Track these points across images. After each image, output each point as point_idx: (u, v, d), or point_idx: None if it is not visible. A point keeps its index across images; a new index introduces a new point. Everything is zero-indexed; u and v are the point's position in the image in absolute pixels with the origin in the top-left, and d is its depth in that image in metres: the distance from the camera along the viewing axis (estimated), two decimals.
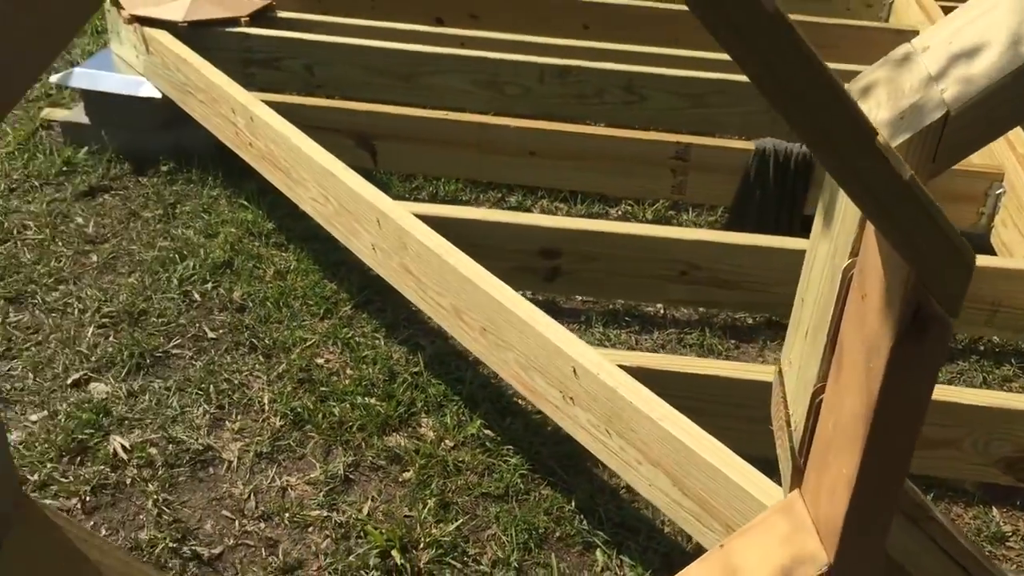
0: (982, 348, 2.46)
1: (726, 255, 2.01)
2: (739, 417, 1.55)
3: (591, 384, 1.58)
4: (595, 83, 2.76)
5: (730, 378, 1.62)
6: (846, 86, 0.94)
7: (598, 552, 1.90)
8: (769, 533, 0.95)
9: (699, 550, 1.85)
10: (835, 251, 0.94)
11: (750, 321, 2.50)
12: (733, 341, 2.44)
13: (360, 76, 2.81)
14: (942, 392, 1.66)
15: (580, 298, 2.55)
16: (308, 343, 2.35)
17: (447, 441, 2.11)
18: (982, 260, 2.08)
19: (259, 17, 2.92)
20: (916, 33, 3.11)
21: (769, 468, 1.36)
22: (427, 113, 2.50)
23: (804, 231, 2.41)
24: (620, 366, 1.59)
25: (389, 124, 2.51)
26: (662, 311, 2.55)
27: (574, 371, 1.61)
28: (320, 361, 2.31)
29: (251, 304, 2.47)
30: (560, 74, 2.76)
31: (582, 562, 1.89)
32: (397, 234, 1.96)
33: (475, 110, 2.78)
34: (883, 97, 0.87)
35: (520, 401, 2.22)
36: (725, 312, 2.44)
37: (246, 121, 2.39)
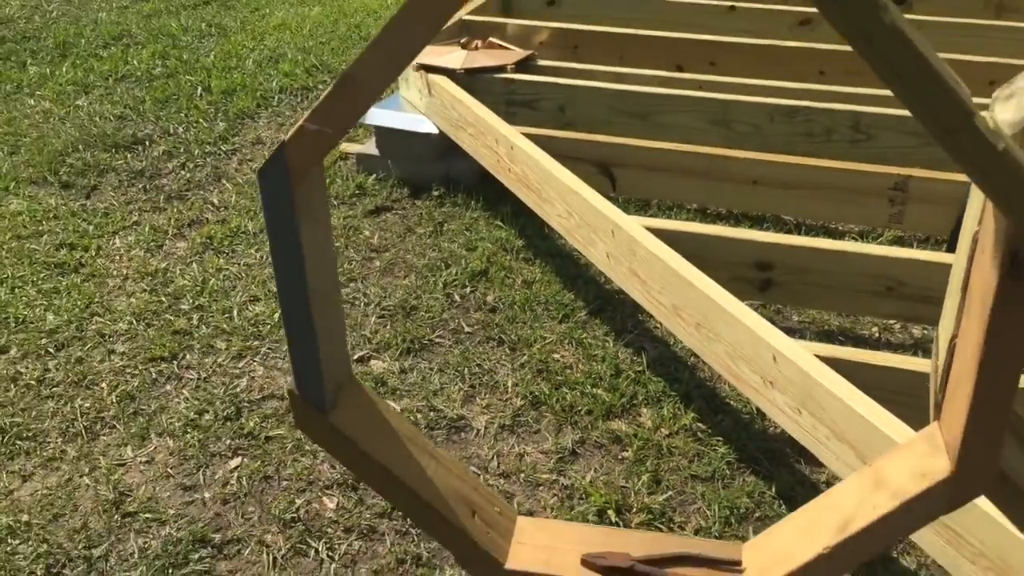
0: None
1: (929, 272, 2.16)
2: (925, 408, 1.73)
3: (788, 369, 1.81)
4: (823, 123, 2.96)
5: (917, 372, 1.80)
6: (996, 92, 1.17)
7: None
8: (911, 453, 1.16)
9: None
10: (970, 221, 1.15)
11: None
12: None
13: (604, 115, 3.18)
14: None
15: (796, 318, 2.75)
16: (547, 340, 2.71)
17: (663, 429, 2.38)
18: None
19: (523, 65, 3.37)
20: None
21: None
22: (660, 144, 2.82)
23: None
24: (815, 355, 1.81)
25: (627, 154, 2.85)
26: (877, 334, 2.70)
27: (774, 358, 1.85)
28: (557, 356, 2.66)
29: (501, 306, 2.87)
30: (789, 114, 2.99)
31: None
32: (628, 242, 2.28)
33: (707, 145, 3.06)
34: (1013, 96, 1.09)
35: (731, 401, 2.46)
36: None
37: (507, 150, 2.81)
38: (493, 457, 2.32)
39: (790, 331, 2.72)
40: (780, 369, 1.83)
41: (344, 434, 1.18)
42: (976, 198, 1.14)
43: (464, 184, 3.45)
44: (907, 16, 3.81)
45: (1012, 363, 1.02)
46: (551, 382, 2.55)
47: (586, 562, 1.24)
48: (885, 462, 1.19)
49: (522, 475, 2.26)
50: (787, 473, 2.23)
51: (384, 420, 1.26)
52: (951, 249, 2.56)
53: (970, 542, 1.48)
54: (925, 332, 2.70)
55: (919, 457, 1.15)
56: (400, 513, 2.15)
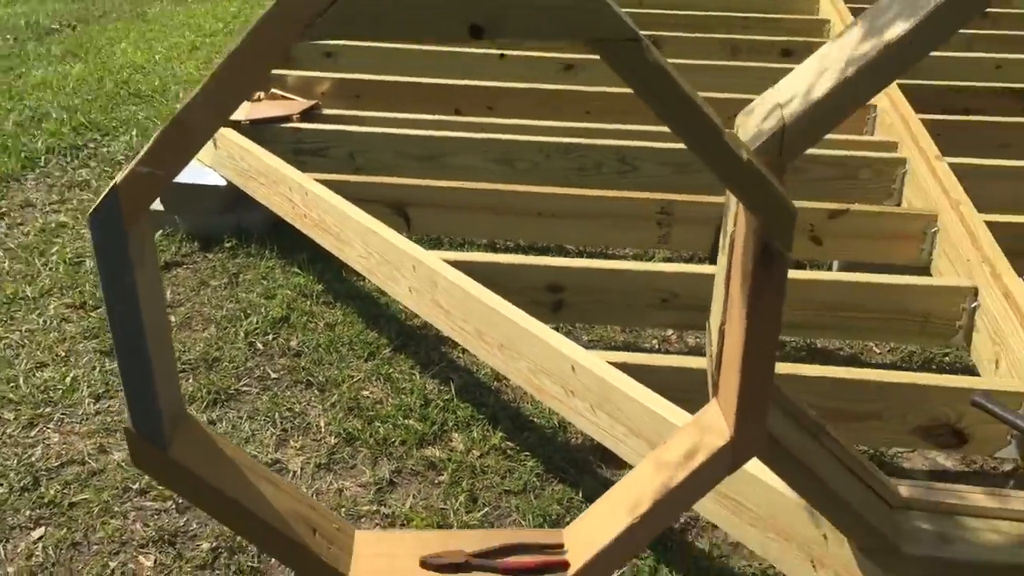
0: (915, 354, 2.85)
1: (698, 283, 2.43)
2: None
3: (586, 377, 1.99)
4: (594, 157, 3.23)
5: (697, 369, 2.02)
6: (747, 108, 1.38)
7: None
8: (688, 433, 1.35)
9: (689, 524, 2.21)
10: (729, 224, 1.36)
11: None
12: None
13: (393, 159, 3.30)
14: (866, 373, 2.05)
15: (587, 338, 2.97)
16: (355, 379, 2.77)
17: (475, 451, 2.51)
18: (911, 279, 2.49)
19: (308, 114, 3.45)
20: (875, 106, 3.58)
21: None
22: (451, 183, 2.97)
23: None
24: (608, 362, 2.00)
25: (419, 194, 2.99)
26: (657, 345, 2.97)
27: (572, 368, 2.02)
28: (366, 393, 2.73)
29: (306, 350, 2.90)
30: (563, 151, 3.24)
31: None
32: (429, 275, 2.40)
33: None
34: (757, 115, 1.31)
35: (534, 419, 2.62)
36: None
37: (302, 196, 2.87)
38: (312, 496, 2.35)
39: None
40: (579, 377, 2.01)
41: (184, 467, 1.22)
42: (731, 205, 1.35)
43: (257, 234, 3.46)
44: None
45: (769, 340, 1.22)
46: (363, 418, 2.61)
47: (424, 563, 1.33)
48: (667, 445, 1.36)
49: (343, 509, 2.30)
50: (591, 478, 2.41)
51: (220, 451, 1.31)
52: (713, 262, 2.86)
53: (749, 508, 1.70)
54: (698, 339, 2.99)
55: (697, 434, 1.33)
56: (226, 556, 2.14)
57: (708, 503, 1.82)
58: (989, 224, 2.65)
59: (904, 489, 1.57)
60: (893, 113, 3.49)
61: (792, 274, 2.42)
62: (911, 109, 3.50)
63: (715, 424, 1.32)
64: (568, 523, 2.28)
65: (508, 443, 2.53)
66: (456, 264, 2.42)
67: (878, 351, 2.98)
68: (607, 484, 2.38)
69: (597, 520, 1.37)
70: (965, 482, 2.39)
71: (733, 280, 1.27)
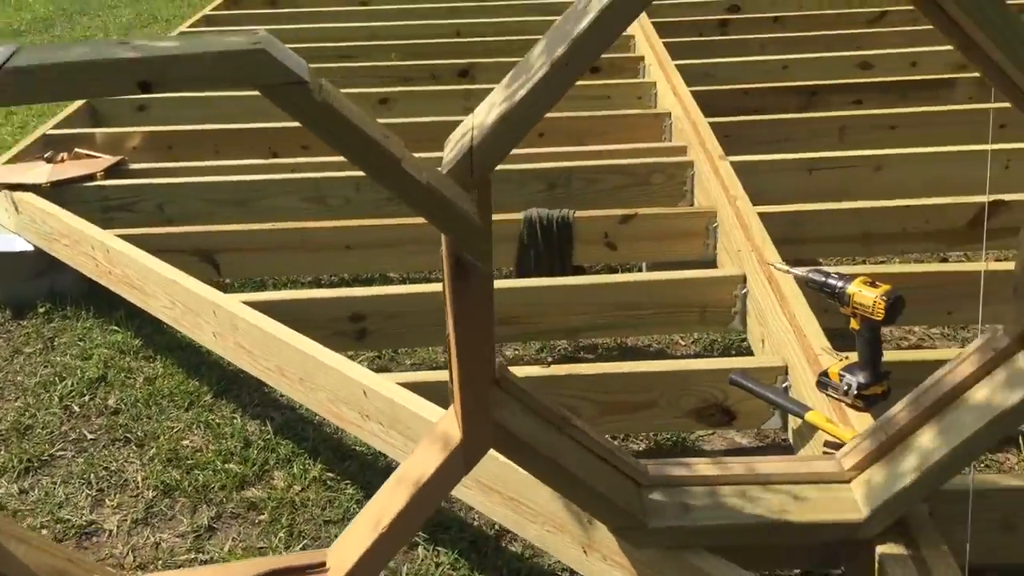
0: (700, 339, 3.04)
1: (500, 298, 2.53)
2: None
3: (377, 400, 2.06)
4: None
5: None
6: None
7: (419, 548, 2.34)
8: (432, 434, 1.44)
9: (503, 531, 2.31)
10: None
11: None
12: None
13: (203, 207, 3.32)
14: (638, 366, 2.19)
15: (409, 361, 3.05)
16: (175, 429, 2.77)
17: (295, 486, 2.54)
18: (688, 273, 2.66)
19: (114, 170, 3.42)
20: (669, 114, 3.79)
21: None
22: (256, 226, 3.01)
23: (576, 275, 2.97)
24: (398, 383, 2.08)
25: (227, 239, 3.01)
26: None
27: (364, 393, 2.09)
28: (186, 442, 2.73)
29: (124, 407, 2.88)
30: (373, 183, 3.31)
31: (407, 558, 2.33)
32: (229, 319, 2.43)
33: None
34: (455, 138, 1.41)
35: (356, 447, 2.67)
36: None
37: (104, 254, 2.85)
38: (128, 552, 2.34)
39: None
40: (371, 401, 2.08)
41: None
42: None
43: (72, 296, 3.40)
44: (470, 86, 4.35)
45: (479, 345, 1.32)
46: (182, 468, 2.61)
47: None
48: (409, 460, 1.45)
49: (160, 562, 2.30)
50: None
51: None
52: (517, 275, 2.98)
53: (527, 505, 1.80)
54: (516, 351, 3.11)
55: (434, 441, 1.42)
56: None
57: (496, 507, 1.92)
58: (762, 215, 2.85)
59: (652, 468, 1.69)
60: (685, 120, 3.70)
61: (576, 280, 2.57)
62: (701, 115, 3.72)
63: (449, 429, 1.41)
64: None
65: (328, 474, 2.57)
66: (257, 304, 2.46)
67: (683, 343, 3.15)
68: None
69: (351, 538, 1.44)
70: (760, 453, 2.57)
71: (446, 292, 1.37)
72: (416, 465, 1.42)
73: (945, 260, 3.34)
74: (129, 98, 4.35)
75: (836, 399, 1.96)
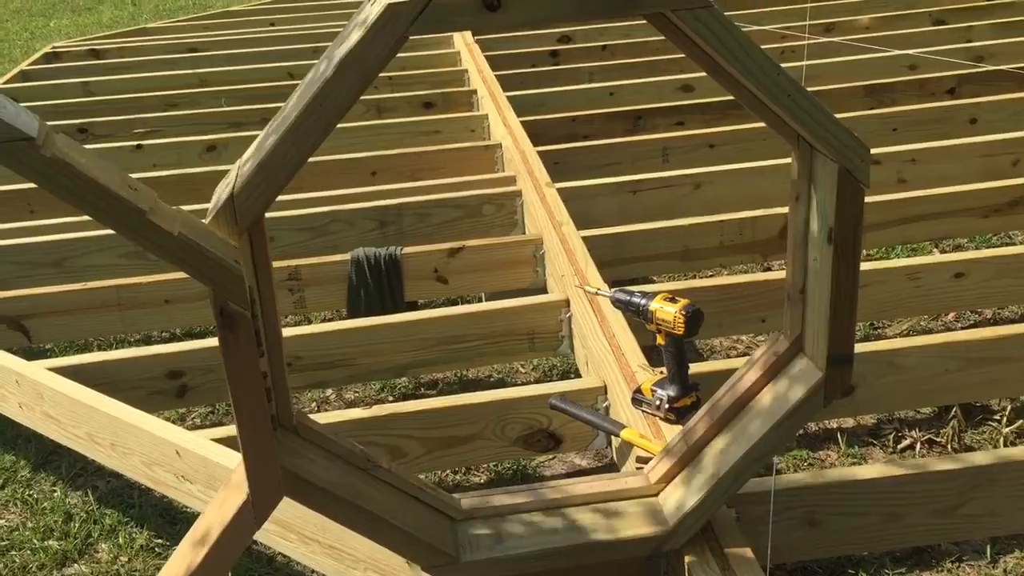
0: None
1: (321, 342, 2.49)
2: None
3: (191, 459, 1.98)
4: None
5: None
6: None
7: None
8: (227, 487, 1.39)
9: None
10: None
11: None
12: None
13: (16, 272, 3.14)
14: (461, 399, 2.19)
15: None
16: None
17: (122, 557, 2.41)
18: (514, 302, 2.68)
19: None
20: (500, 145, 3.84)
21: None
22: (67, 287, 2.87)
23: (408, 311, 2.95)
24: (211, 439, 2.00)
25: (38, 303, 2.86)
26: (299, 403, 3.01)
27: (177, 453, 2.00)
28: (2, 522, 2.56)
29: None
30: None
31: None
32: (34, 388, 2.30)
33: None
34: (217, 191, 1.38)
35: (185, 509, 2.56)
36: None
37: None
38: None
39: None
40: (185, 460, 2.00)
41: None
42: None
43: None
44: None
45: (246, 398, 1.28)
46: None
47: None
48: (202, 516, 1.40)
49: None
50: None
51: None
52: (350, 315, 2.94)
53: (347, 552, 1.76)
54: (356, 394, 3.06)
55: (230, 492, 1.37)
56: None
57: (317, 556, 1.86)
58: (587, 239, 2.90)
59: (467, 501, 1.68)
60: (515, 150, 3.75)
61: (399, 317, 2.55)
62: (530, 144, 3.77)
63: (239, 481, 1.36)
64: None
65: (157, 540, 2.46)
66: (64, 370, 2.34)
67: (523, 370, 3.17)
68: (262, 558, 2.38)
69: None
70: (600, 472, 2.59)
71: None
72: (207, 522, 1.36)
73: (769, 269, 3.48)
74: None
75: (650, 414, 2.00)
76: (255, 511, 1.33)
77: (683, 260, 3.04)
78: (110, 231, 3.10)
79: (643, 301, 1.97)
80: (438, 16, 1.25)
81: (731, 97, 4.18)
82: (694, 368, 2.09)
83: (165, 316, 2.87)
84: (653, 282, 3.55)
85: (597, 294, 2.18)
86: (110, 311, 2.84)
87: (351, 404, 3.04)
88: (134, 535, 2.47)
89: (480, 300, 3.42)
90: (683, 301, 1.93)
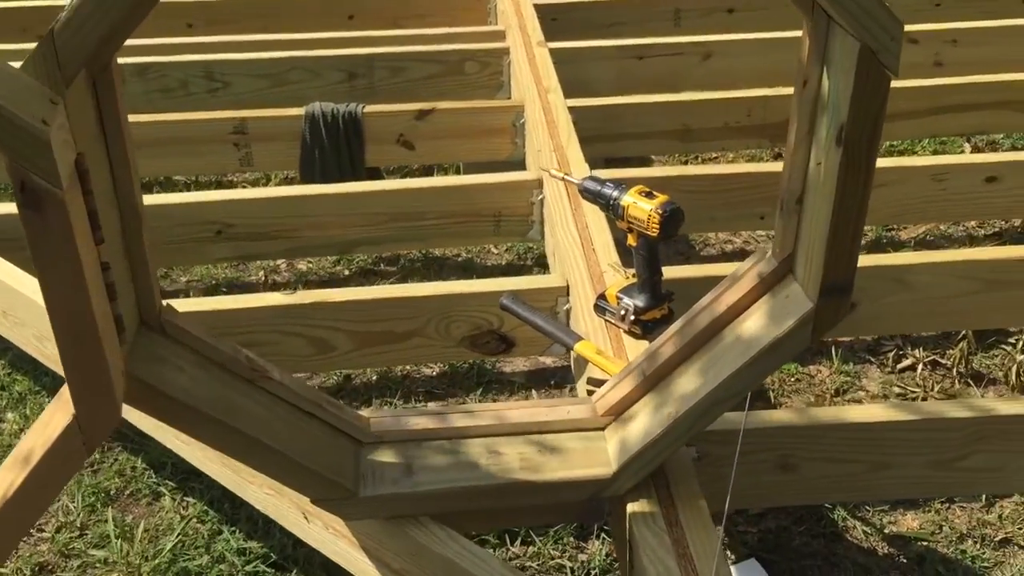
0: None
1: (257, 209, 2.19)
2: None
3: None
4: (177, 76, 2.89)
5: None
6: None
7: (165, 499, 2.04)
8: (60, 399, 1.13)
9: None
10: None
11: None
12: None
13: None
14: (398, 290, 1.91)
15: (184, 279, 2.69)
16: None
17: (25, 431, 2.19)
18: (480, 178, 2.37)
19: None
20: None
21: None
22: None
23: (371, 179, 2.64)
24: None
25: None
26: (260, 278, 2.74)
27: None
28: None
29: None
30: (140, 72, 2.87)
31: (148, 510, 2.03)
32: None
33: None
34: None
35: None
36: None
37: None
38: None
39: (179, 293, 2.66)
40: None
41: None
42: None
43: None
44: None
45: (67, 292, 0.99)
46: None
47: None
48: (30, 431, 1.14)
49: None
50: (156, 443, 2.16)
51: None
52: (302, 178, 2.63)
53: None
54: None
55: (53, 414, 1.11)
56: None
57: (216, 467, 1.63)
58: (575, 109, 2.56)
59: (379, 421, 1.42)
60: (509, 1, 3.35)
61: (345, 187, 2.24)
62: None
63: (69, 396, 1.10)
64: (128, 496, 2.06)
65: None
66: None
67: (496, 251, 2.88)
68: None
69: None
70: (563, 374, 2.34)
71: None
72: (31, 442, 1.10)
73: (778, 158, 3.13)
74: None
75: (614, 324, 1.72)
76: (84, 435, 1.07)
77: (681, 140, 2.69)
78: None
79: (615, 193, 1.66)
80: None
81: None
82: (672, 272, 1.80)
83: None
84: (649, 163, 3.22)
85: (564, 179, 1.86)
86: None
87: (302, 276, 2.77)
88: (44, 405, 2.24)
89: (459, 172, 3.10)
90: (661, 197, 1.62)
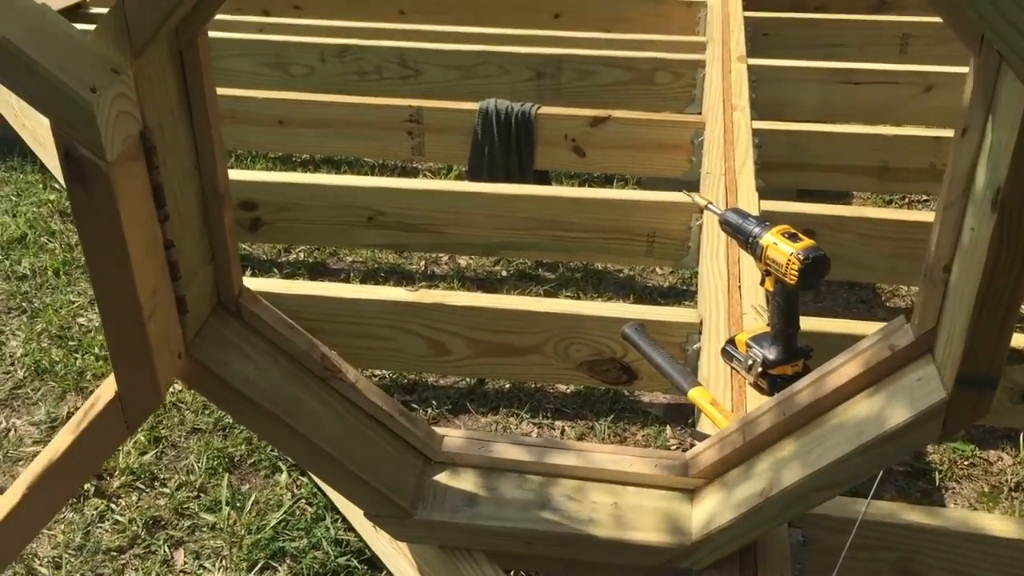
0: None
1: (407, 200, 2.17)
2: None
3: None
4: (373, 60, 2.94)
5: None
6: None
7: (283, 475, 2.06)
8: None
9: None
10: None
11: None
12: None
13: None
14: (518, 302, 1.81)
15: (287, 256, 2.74)
16: (75, 305, 2.54)
17: (177, 385, 2.29)
18: (636, 194, 2.23)
19: (68, 14, 3.14)
20: (706, 3, 3.26)
21: None
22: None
23: (539, 182, 2.57)
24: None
25: None
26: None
27: None
28: (82, 321, 2.50)
29: (33, 273, 2.67)
30: (339, 53, 2.94)
31: (266, 483, 2.06)
32: None
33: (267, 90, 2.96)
34: None
35: None
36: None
37: (17, 103, 2.60)
38: None
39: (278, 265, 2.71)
40: None
41: None
42: None
43: (21, 146, 3.19)
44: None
45: (117, 271, 0.97)
46: (65, 348, 2.39)
47: None
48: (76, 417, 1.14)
49: (1, 453, 2.10)
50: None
51: None
52: (470, 175, 2.60)
53: None
54: (405, 259, 2.75)
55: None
56: None
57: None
58: (762, 132, 2.38)
59: (452, 441, 1.34)
60: (719, 10, 3.17)
61: (495, 188, 2.18)
62: (740, 6, 3.18)
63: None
64: (250, 464, 2.10)
65: None
66: None
67: (660, 272, 2.73)
68: None
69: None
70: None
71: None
72: (84, 409, 1.11)
73: None
74: None
75: (740, 374, 1.56)
76: (125, 414, 1.06)
77: (878, 179, 2.43)
78: (253, 36, 2.87)
79: (756, 230, 1.49)
80: None
81: None
82: (812, 324, 1.61)
83: (277, 139, 2.65)
84: (848, 199, 2.95)
85: (706, 207, 1.70)
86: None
87: (460, 271, 2.74)
88: None
89: (636, 182, 2.98)
90: (806, 241, 1.43)
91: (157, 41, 0.99)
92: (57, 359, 2.35)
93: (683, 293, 2.63)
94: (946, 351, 1.05)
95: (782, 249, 1.43)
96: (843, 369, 1.15)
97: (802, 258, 1.40)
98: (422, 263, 2.77)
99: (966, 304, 1.00)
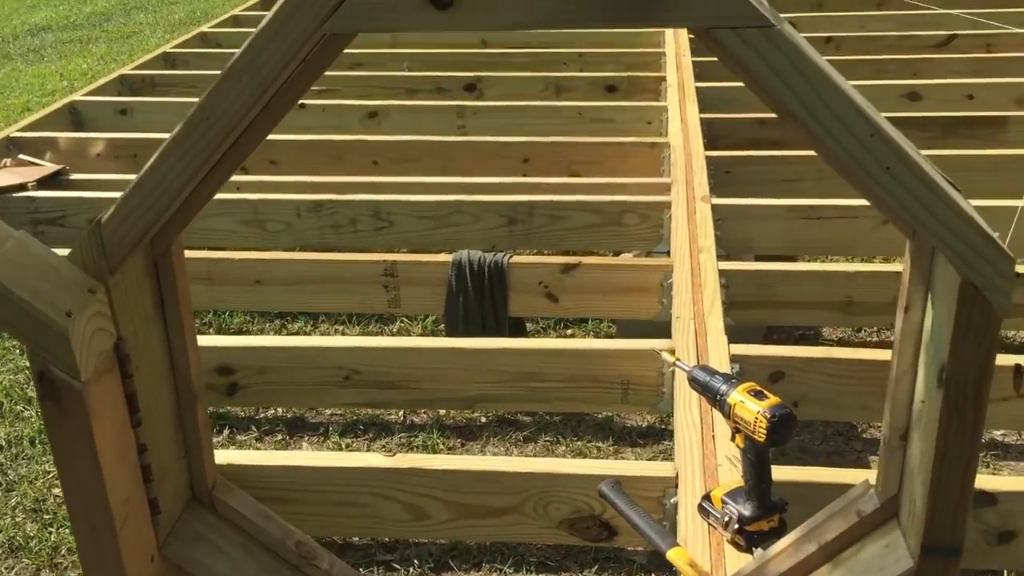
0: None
1: (382, 358, 2.20)
2: None
3: None
4: (347, 213, 3.01)
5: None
6: None
7: None
8: None
9: None
10: None
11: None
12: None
13: None
14: (494, 462, 1.82)
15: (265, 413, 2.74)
16: (50, 474, 2.52)
17: None
18: (608, 343, 2.27)
19: (51, 181, 3.22)
20: (669, 144, 3.39)
21: None
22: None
23: (514, 332, 2.61)
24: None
25: None
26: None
27: None
28: (57, 491, 2.48)
29: (7, 443, 2.66)
30: (315, 208, 3.02)
31: None
32: None
33: (243, 247, 3.02)
34: None
35: None
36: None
37: None
38: None
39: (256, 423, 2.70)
40: None
41: None
42: None
43: None
44: (479, 103, 4.01)
45: (87, 487, 0.99)
46: (40, 523, 2.36)
47: None
48: None
49: None
50: None
51: None
52: (447, 326, 2.64)
53: None
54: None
55: None
56: None
57: None
58: (728, 273, 2.44)
59: None
60: (681, 152, 3.29)
61: (463, 343, 2.21)
62: (701, 147, 3.30)
63: None
64: None
65: None
66: None
67: (638, 416, 2.75)
68: None
69: None
70: None
71: None
72: None
73: None
74: (112, 99, 4.19)
75: (717, 531, 1.56)
76: None
77: (844, 313, 2.49)
78: (230, 195, 2.95)
79: (722, 387, 1.52)
80: (364, 11, 0.88)
81: (965, 113, 3.45)
82: (785, 474, 1.62)
83: (253, 298, 2.69)
84: (811, 337, 3.01)
85: (675, 365, 1.73)
86: (199, 283, 2.68)
87: (439, 419, 2.75)
88: None
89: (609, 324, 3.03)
90: (771, 399, 1.46)
91: (133, 254, 1.03)
92: (32, 534, 2.32)
93: (662, 433, 2.64)
94: (910, 519, 1.07)
95: (749, 407, 1.46)
96: (818, 530, 1.16)
97: (769, 416, 1.43)
98: (401, 414, 2.78)
99: (924, 472, 1.02)
